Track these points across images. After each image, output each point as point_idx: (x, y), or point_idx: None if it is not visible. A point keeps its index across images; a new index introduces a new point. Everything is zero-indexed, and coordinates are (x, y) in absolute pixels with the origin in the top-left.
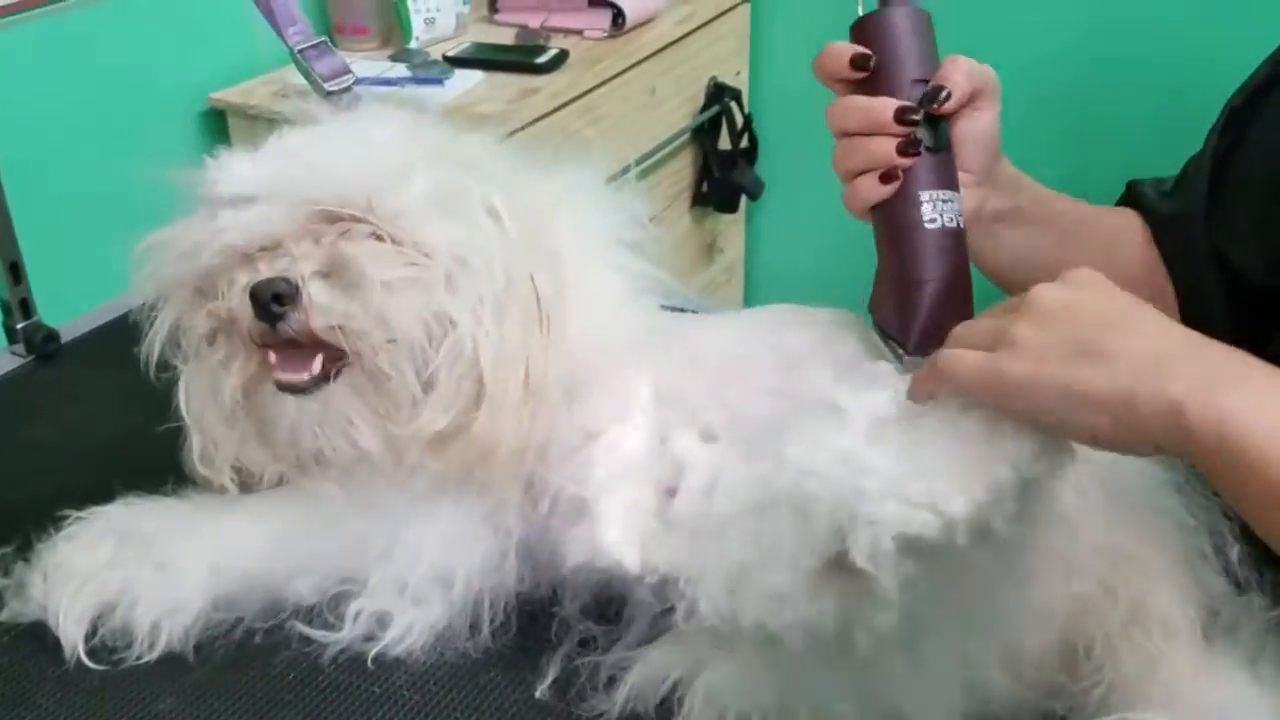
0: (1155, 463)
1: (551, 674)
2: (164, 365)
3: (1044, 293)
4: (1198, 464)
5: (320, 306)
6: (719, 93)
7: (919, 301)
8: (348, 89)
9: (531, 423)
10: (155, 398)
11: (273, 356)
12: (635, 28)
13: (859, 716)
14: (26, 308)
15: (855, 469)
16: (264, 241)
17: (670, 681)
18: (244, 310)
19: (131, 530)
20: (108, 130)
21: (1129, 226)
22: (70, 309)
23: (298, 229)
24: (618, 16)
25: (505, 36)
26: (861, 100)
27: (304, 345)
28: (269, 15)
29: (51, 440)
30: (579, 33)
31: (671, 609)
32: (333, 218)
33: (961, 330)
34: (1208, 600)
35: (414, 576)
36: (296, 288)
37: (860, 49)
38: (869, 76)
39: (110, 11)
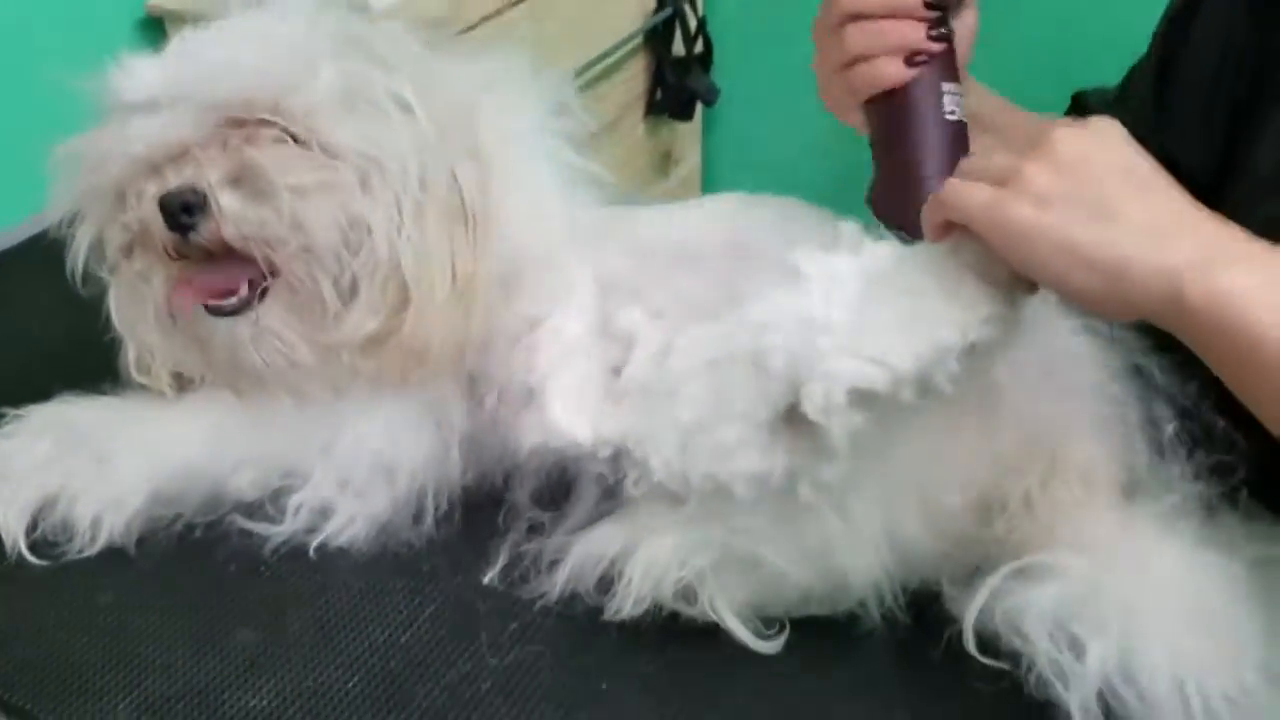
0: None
1: (500, 561)
2: (91, 276)
3: (1063, 138)
4: (1190, 338)
5: (231, 215)
6: None
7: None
8: None
9: (466, 320)
10: (89, 307)
11: (196, 280)
12: None
13: (793, 569)
14: None
15: (811, 326)
16: (170, 150)
17: (608, 558)
18: (155, 221)
19: (71, 427)
20: (37, 38)
21: None
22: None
23: (204, 135)
24: None
25: None
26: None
27: (219, 256)
28: None
29: None
30: None
31: (620, 483)
32: (239, 121)
33: (974, 163)
34: (1130, 464)
35: (356, 469)
36: (205, 197)
37: None
38: None
39: None
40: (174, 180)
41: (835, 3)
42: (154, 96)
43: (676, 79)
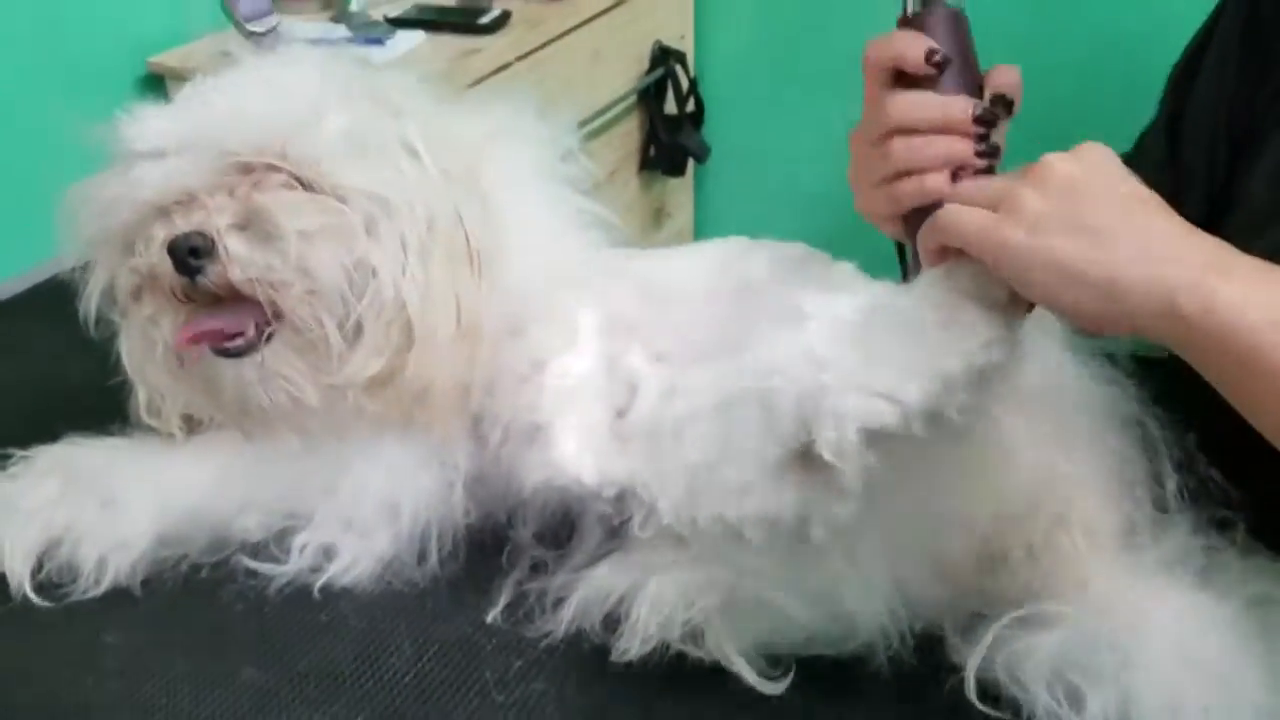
0: (1115, 393)
1: (504, 599)
2: (103, 320)
3: (1055, 164)
4: (1187, 351)
5: (238, 258)
6: (664, 56)
7: None
8: (271, 30)
9: (470, 361)
10: (94, 353)
11: (204, 324)
12: None
13: (799, 611)
14: None
15: (816, 365)
16: (178, 195)
17: (615, 596)
18: (164, 265)
19: (77, 468)
20: (44, 91)
21: None
22: (3, 270)
23: (211, 181)
24: None
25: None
26: (935, 97)
27: (227, 300)
28: None
29: None
30: None
31: (625, 524)
32: (247, 167)
33: (969, 187)
34: (1131, 514)
35: (360, 510)
36: (212, 241)
37: (933, 44)
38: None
39: None
40: (182, 225)
41: (882, 117)
42: (163, 144)
43: (669, 136)
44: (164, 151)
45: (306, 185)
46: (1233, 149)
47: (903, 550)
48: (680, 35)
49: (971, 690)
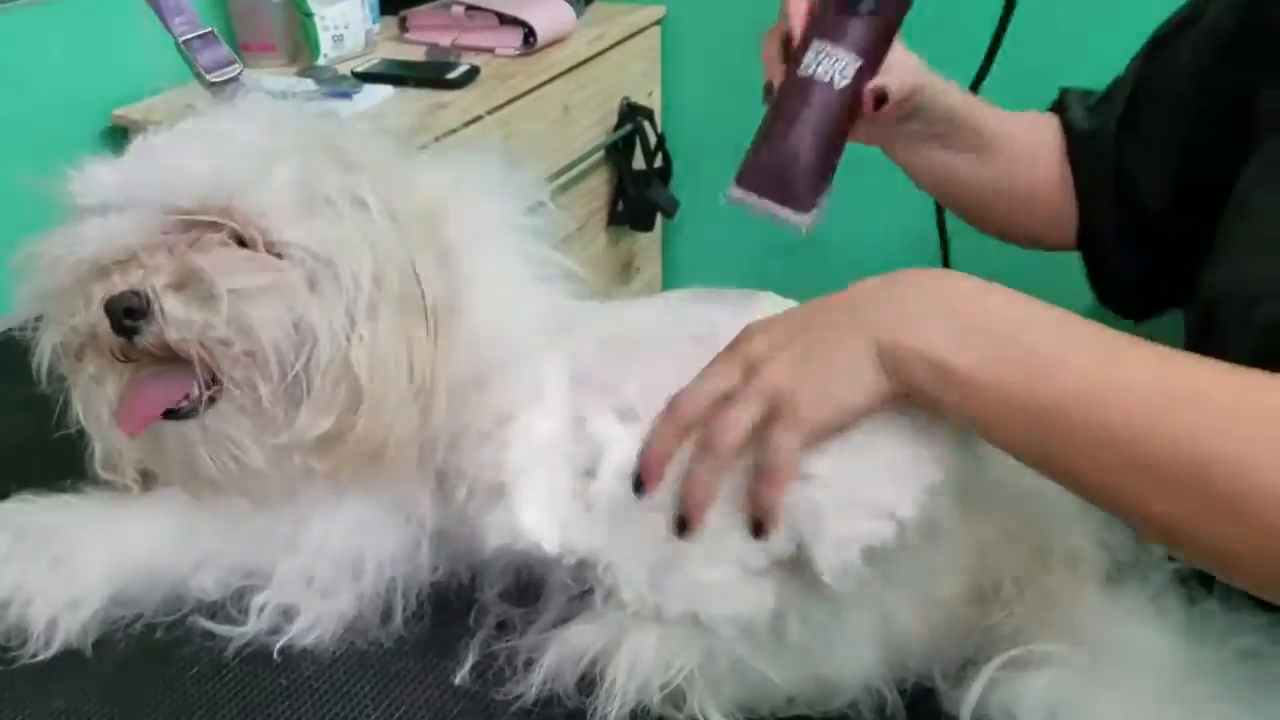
0: None
1: (470, 660)
2: (54, 375)
3: (752, 334)
4: (934, 404)
5: (174, 319)
6: (631, 112)
7: (798, 151)
8: (233, 79)
9: (426, 417)
10: (37, 410)
11: (146, 389)
12: (546, 46)
13: (779, 674)
14: None
15: (805, 480)
16: (117, 254)
17: (589, 658)
18: (102, 324)
19: (27, 525)
20: (6, 143)
21: (1048, 142)
22: None
23: (151, 239)
24: (529, 35)
25: (415, 55)
26: None
27: (166, 360)
28: (155, 4)
29: None
30: (490, 50)
31: (590, 591)
32: (189, 224)
33: (688, 398)
34: (1115, 546)
35: (321, 567)
36: (149, 300)
37: None
38: None
39: (11, 22)
40: (120, 284)
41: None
42: (108, 199)
43: (637, 191)
44: (109, 206)
45: (248, 242)
46: (1215, 135)
47: (891, 604)
48: (648, 92)
49: None
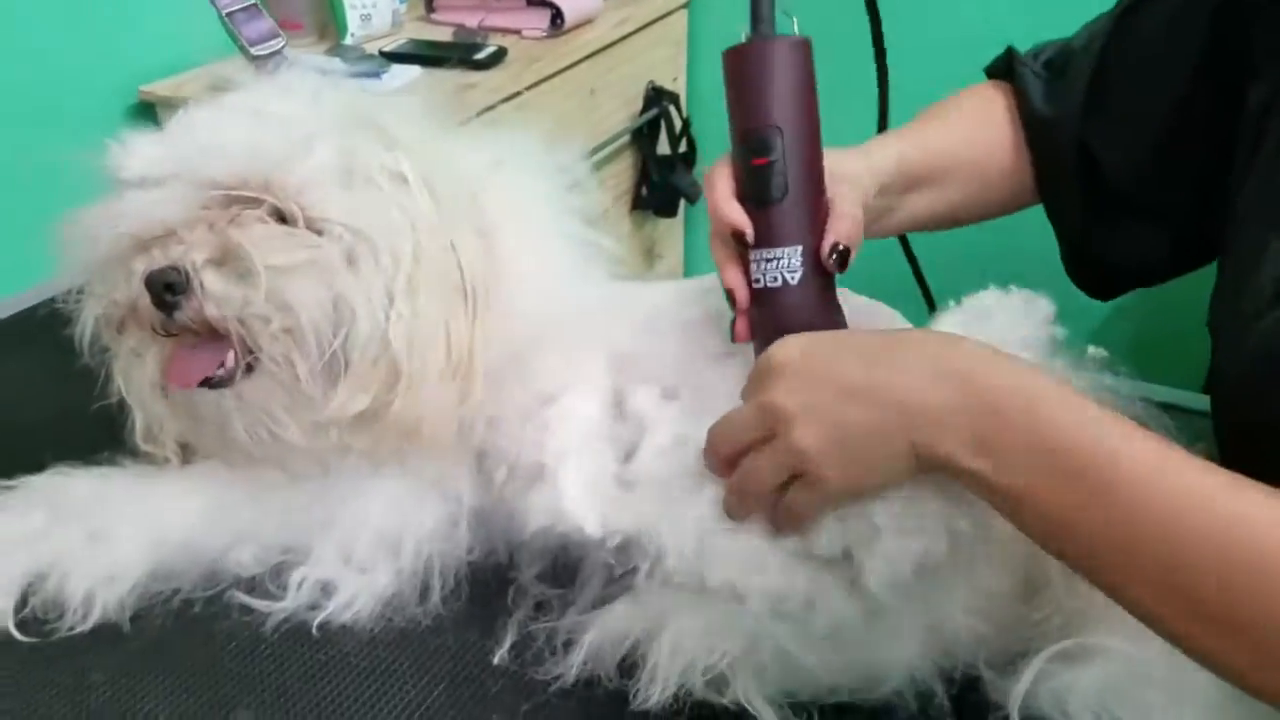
0: None
1: (509, 639)
2: (96, 348)
3: (777, 383)
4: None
5: (213, 295)
6: (657, 96)
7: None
8: (276, 53)
9: (464, 396)
10: (79, 381)
11: (186, 358)
12: (574, 28)
13: (824, 665)
14: None
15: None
16: (158, 229)
17: (630, 640)
18: (143, 299)
19: (64, 499)
20: (35, 119)
21: (1001, 121)
22: None
23: (191, 214)
24: (556, 16)
25: (442, 35)
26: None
27: (204, 334)
28: None
29: None
30: (517, 32)
31: (630, 571)
32: (229, 199)
33: (719, 438)
34: None
35: (359, 544)
36: (188, 276)
37: (745, 230)
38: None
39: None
40: (161, 258)
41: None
42: (149, 173)
43: (661, 177)
44: (150, 180)
45: (288, 218)
46: (1170, 109)
47: (938, 594)
48: (673, 77)
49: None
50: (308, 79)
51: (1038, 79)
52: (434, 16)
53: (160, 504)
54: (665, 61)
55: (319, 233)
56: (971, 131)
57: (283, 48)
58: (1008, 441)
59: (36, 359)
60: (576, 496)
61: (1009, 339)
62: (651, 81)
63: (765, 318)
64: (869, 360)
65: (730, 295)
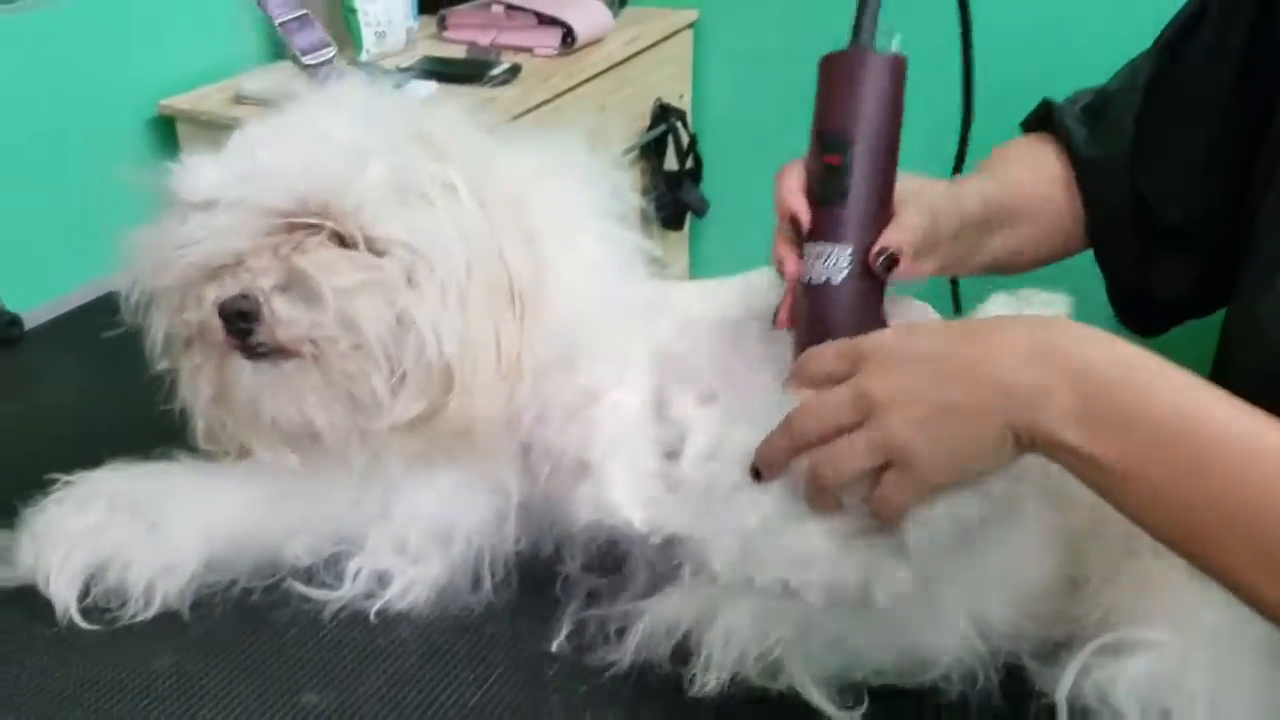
0: None
1: (565, 627)
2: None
3: (873, 370)
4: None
5: (283, 320)
6: (664, 113)
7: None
8: (326, 62)
9: (511, 398)
10: (119, 383)
11: None
12: (584, 47)
13: (874, 649)
14: None
15: None
16: (226, 257)
17: (682, 628)
18: (215, 323)
19: (123, 493)
20: (63, 135)
21: (1048, 169)
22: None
23: (256, 242)
24: (568, 35)
25: (455, 53)
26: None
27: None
28: None
29: (20, 418)
30: (529, 50)
31: (675, 567)
32: (291, 224)
33: (805, 419)
34: None
35: (413, 535)
36: (259, 303)
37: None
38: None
39: (58, 15)
40: (231, 287)
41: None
42: (212, 197)
43: (668, 191)
44: (213, 204)
45: (347, 240)
46: (1244, 142)
47: (979, 585)
48: (679, 94)
49: (1063, 714)
50: (358, 91)
51: (1080, 125)
52: (446, 35)
53: (218, 497)
54: (672, 80)
55: (379, 253)
56: (1031, 174)
57: (332, 57)
58: (1105, 413)
59: (73, 362)
60: (623, 491)
61: None
62: (659, 99)
63: (808, 312)
64: (964, 342)
65: (779, 270)
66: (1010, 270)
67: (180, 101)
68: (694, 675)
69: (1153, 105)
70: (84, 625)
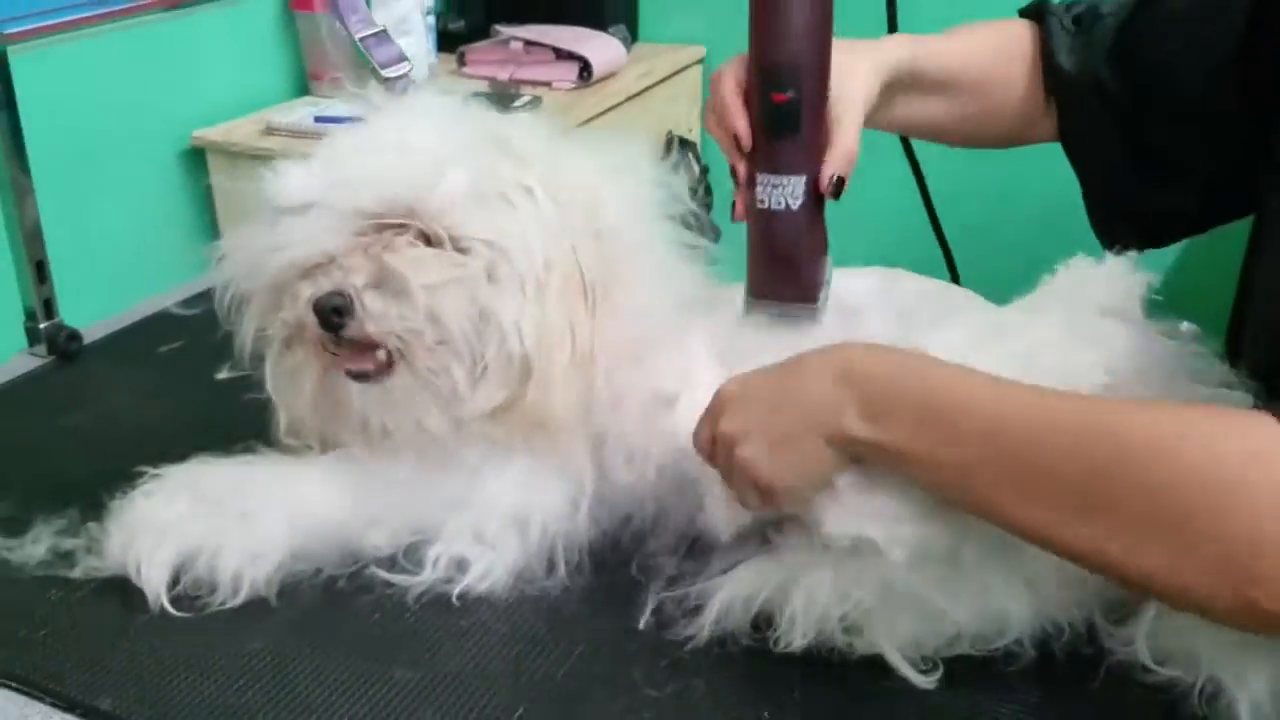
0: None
1: (648, 607)
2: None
3: (723, 409)
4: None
5: (374, 314)
6: (680, 144)
7: (788, 262)
8: (403, 75)
9: (586, 388)
10: (179, 391)
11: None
12: (600, 80)
13: (956, 610)
14: (50, 308)
15: None
16: (319, 256)
17: (761, 597)
18: (309, 320)
19: (209, 485)
20: (104, 165)
21: (1020, 60)
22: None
23: (347, 242)
24: (584, 69)
25: (477, 87)
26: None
27: (368, 346)
28: (333, 4)
29: (87, 425)
30: (547, 84)
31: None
32: (379, 225)
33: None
34: None
35: (490, 522)
36: (351, 299)
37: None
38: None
39: (94, 47)
40: (325, 284)
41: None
42: (303, 201)
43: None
44: (303, 208)
45: (432, 239)
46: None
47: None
48: (689, 128)
49: (1145, 656)
50: (437, 102)
51: (1065, 32)
52: (466, 71)
53: (300, 490)
54: (683, 113)
55: (463, 251)
56: (989, 60)
57: (409, 70)
58: (882, 407)
59: (131, 376)
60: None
61: (1102, 307)
62: (670, 131)
63: (766, 236)
64: (785, 378)
65: (733, 172)
66: (924, 137)
67: (213, 133)
68: (778, 637)
69: (1134, 22)
70: (175, 612)
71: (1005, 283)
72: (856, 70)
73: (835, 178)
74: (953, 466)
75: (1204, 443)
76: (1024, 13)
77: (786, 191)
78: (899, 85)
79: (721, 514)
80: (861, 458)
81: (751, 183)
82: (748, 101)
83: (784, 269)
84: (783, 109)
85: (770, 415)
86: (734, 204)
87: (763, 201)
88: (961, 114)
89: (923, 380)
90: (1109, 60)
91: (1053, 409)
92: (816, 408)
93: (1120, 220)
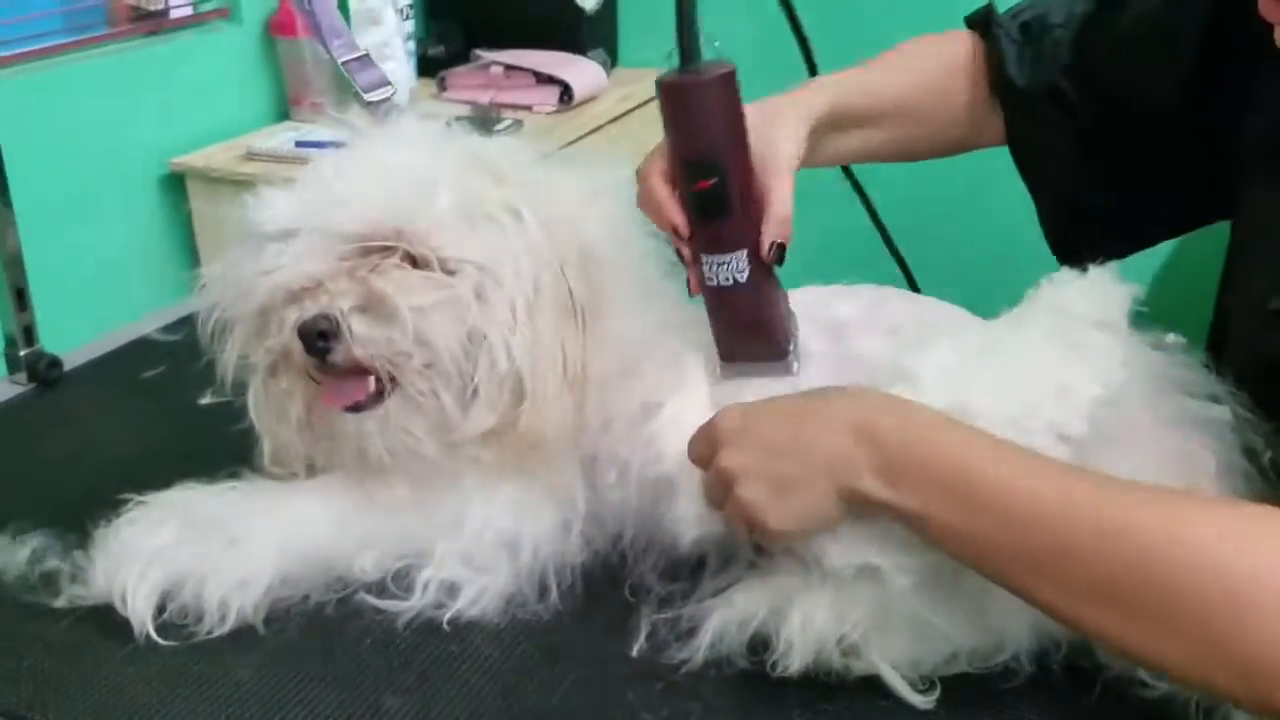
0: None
1: (643, 631)
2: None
3: (721, 445)
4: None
5: (361, 338)
6: None
7: (750, 332)
8: (386, 100)
9: (578, 408)
10: (159, 417)
11: (333, 390)
12: (581, 104)
13: (955, 630)
14: (30, 335)
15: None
16: (305, 280)
17: (757, 620)
18: (296, 345)
19: (194, 511)
20: (84, 191)
21: (955, 91)
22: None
23: (333, 266)
24: (565, 93)
25: (458, 111)
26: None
27: (354, 371)
28: (315, 28)
29: (69, 450)
30: (528, 108)
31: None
32: (365, 249)
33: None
34: (1241, 495)
35: (480, 547)
36: (338, 323)
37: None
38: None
39: (71, 74)
40: (311, 309)
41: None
42: (288, 227)
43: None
44: (290, 233)
45: (420, 261)
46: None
47: None
48: None
49: (1142, 670)
50: (423, 126)
51: (1013, 43)
52: (446, 95)
53: (287, 516)
54: (658, 137)
55: (450, 272)
56: (925, 78)
57: (393, 95)
58: (900, 470)
59: (112, 402)
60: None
61: (1089, 320)
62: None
63: (723, 310)
64: (793, 422)
65: (679, 254)
66: (862, 162)
67: (192, 160)
68: (775, 661)
69: (1089, 38)
70: (161, 641)
71: (968, 284)
72: (778, 135)
73: (774, 245)
74: (970, 539)
75: (1228, 543)
76: (970, 22)
77: (731, 268)
78: (826, 127)
79: (691, 513)
80: (872, 513)
81: (698, 261)
82: (677, 189)
83: (746, 335)
84: (709, 195)
85: (774, 461)
86: (687, 279)
87: (711, 280)
88: (893, 137)
89: (944, 449)
90: (1067, 74)
91: (1074, 500)
92: (831, 461)
93: (1075, 223)
